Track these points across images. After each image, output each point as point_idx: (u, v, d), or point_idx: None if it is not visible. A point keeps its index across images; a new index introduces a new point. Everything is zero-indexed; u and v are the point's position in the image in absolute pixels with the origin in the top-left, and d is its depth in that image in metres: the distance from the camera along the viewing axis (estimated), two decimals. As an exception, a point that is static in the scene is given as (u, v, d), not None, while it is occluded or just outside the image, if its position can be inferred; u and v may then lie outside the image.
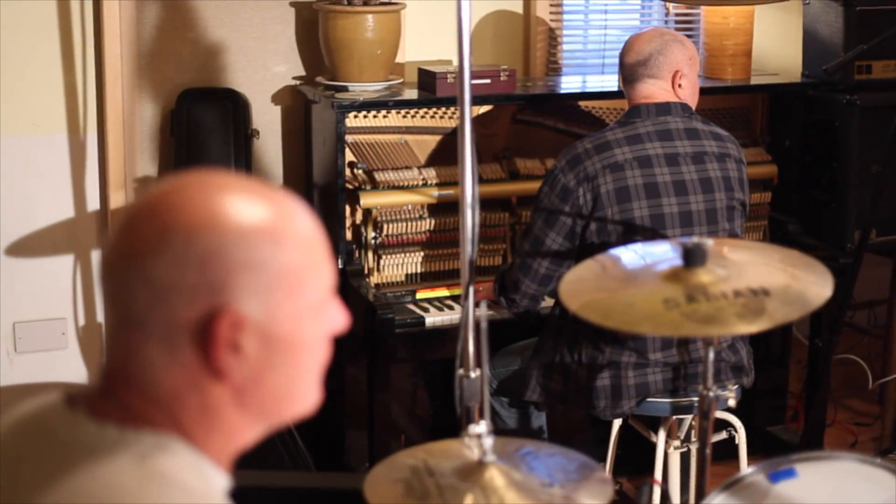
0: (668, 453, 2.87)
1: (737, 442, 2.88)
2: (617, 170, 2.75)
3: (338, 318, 1.18)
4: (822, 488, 1.90)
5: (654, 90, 2.85)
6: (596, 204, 2.74)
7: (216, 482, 1.13)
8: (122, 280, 1.09)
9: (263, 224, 1.10)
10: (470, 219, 2.17)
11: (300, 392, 1.17)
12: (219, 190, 1.11)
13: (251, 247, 1.08)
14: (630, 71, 2.87)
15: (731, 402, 2.21)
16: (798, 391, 3.87)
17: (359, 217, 3.29)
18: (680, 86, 2.86)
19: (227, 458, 1.16)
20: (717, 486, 1.95)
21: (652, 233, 2.73)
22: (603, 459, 2.86)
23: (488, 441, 1.92)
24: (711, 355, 2.18)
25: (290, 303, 1.11)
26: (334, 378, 3.32)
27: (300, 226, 1.14)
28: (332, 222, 3.23)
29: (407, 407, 3.46)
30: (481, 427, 1.93)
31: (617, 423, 2.88)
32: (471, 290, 2.18)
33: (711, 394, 2.19)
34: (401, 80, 3.44)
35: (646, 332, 1.99)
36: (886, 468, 1.91)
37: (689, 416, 2.84)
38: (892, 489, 1.85)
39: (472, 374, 2.14)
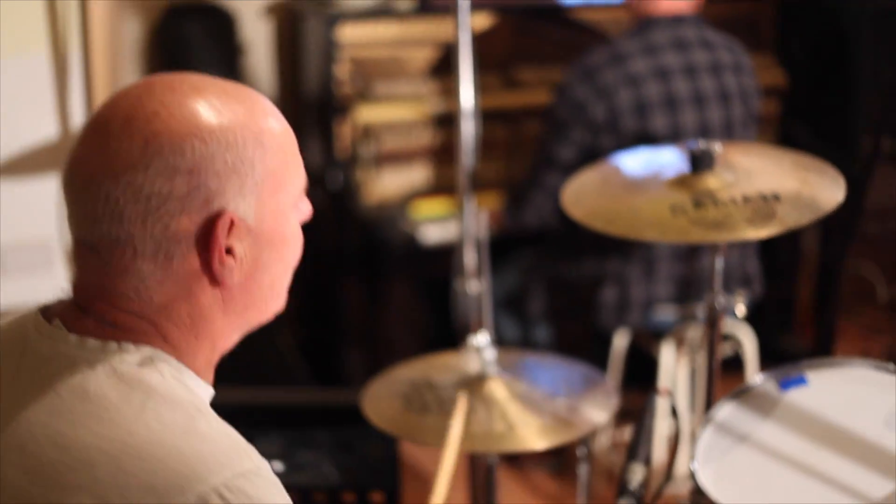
0: (675, 366, 2.82)
1: (745, 352, 2.83)
2: (634, 82, 2.68)
3: (307, 210, 1.19)
4: (833, 396, 1.86)
5: None
6: (612, 117, 2.67)
7: (200, 393, 1.10)
8: (106, 197, 1.04)
9: (246, 125, 1.09)
10: (468, 129, 2.10)
11: (280, 290, 1.17)
12: (195, 94, 1.08)
13: (239, 150, 1.07)
14: None
15: (740, 311, 2.15)
16: (808, 304, 3.82)
17: (353, 132, 3.21)
18: None
19: (210, 367, 1.14)
20: (727, 395, 1.90)
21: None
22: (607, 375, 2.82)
23: (489, 353, 1.87)
24: (720, 263, 2.12)
25: (274, 200, 1.11)
26: (331, 297, 3.30)
27: (275, 123, 1.13)
28: (325, 138, 3.16)
29: (406, 325, 3.42)
30: (482, 339, 1.88)
31: (622, 337, 2.83)
32: (469, 202, 2.11)
33: (719, 302, 2.13)
34: (394, -10, 3.34)
35: (652, 238, 1.94)
36: (900, 374, 1.86)
37: (697, 328, 2.79)
38: (906, 395, 1.80)
39: (472, 288, 2.08)
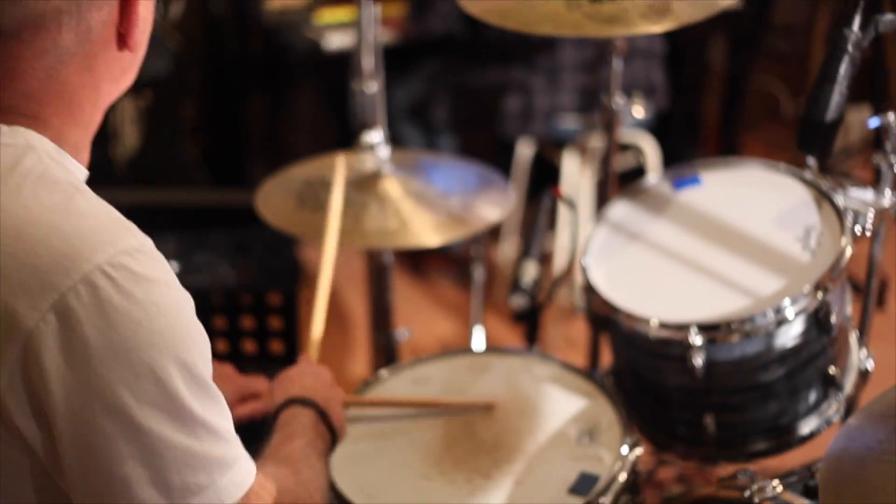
0: (579, 175, 2.84)
1: (647, 162, 2.86)
2: None
3: None
4: (726, 195, 1.88)
5: None
6: None
7: (77, 173, 1.08)
8: None
9: None
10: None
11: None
12: None
13: None
14: None
15: (637, 112, 2.15)
16: (713, 118, 3.85)
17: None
18: None
19: (85, 148, 1.12)
20: (620, 194, 1.91)
21: None
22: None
23: (383, 151, 1.86)
24: (618, 64, 2.10)
25: None
26: (234, 104, 3.23)
27: None
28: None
29: (309, 131, 3.39)
30: (375, 136, 1.86)
31: (525, 146, 2.83)
32: (367, 4, 2.06)
33: (616, 102, 2.12)
34: None
35: (547, 32, 1.91)
36: (791, 173, 1.89)
37: (601, 137, 2.80)
38: (796, 195, 1.83)
39: (368, 88, 2.04)
